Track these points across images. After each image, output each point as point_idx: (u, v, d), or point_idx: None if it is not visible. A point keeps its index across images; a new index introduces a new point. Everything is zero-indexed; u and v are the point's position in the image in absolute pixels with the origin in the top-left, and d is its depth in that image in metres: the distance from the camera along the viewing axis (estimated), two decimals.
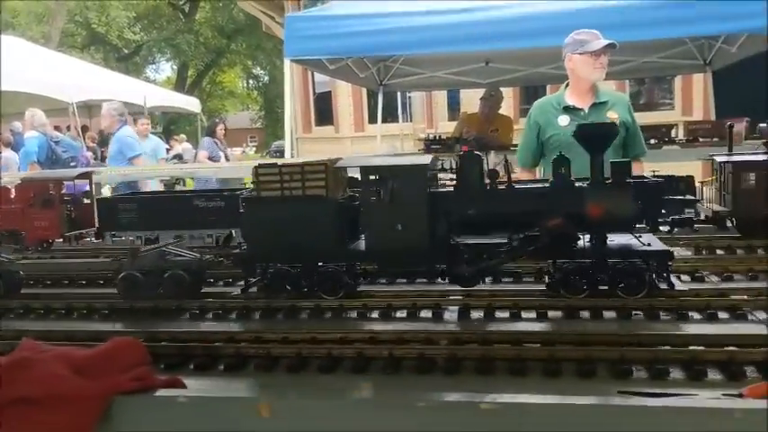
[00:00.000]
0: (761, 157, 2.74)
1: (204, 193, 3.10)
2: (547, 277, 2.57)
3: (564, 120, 5.26)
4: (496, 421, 1.60)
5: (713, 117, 10.57)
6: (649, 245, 2.42)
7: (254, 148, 39.00)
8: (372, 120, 12.19)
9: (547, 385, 1.75)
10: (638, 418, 1.55)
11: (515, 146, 8.72)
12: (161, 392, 1.83)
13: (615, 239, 2.43)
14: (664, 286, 2.37)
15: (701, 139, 8.29)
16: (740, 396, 1.57)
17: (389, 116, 13.82)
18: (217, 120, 13.45)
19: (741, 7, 6.57)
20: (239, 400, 1.82)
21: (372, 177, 2.40)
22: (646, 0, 6.80)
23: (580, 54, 5.17)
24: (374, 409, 1.73)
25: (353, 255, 2.55)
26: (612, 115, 5.25)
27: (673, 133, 8.77)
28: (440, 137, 9.50)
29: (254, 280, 2.62)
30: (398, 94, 12.70)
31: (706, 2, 6.64)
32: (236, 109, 45.82)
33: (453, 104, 14.58)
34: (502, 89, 10.04)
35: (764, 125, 8.81)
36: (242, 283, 2.69)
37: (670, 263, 2.37)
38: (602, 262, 2.36)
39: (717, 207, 2.86)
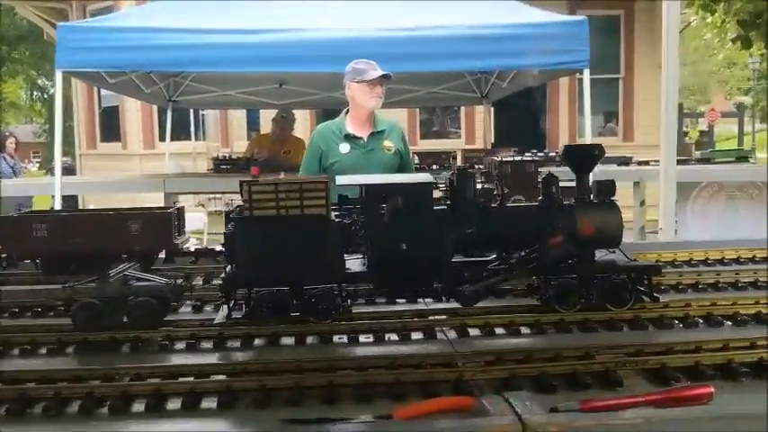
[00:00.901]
0: None
1: None
2: (534, 293, 2.61)
3: (345, 147, 5.34)
4: None
5: (490, 146, 11.49)
6: (635, 260, 2.56)
7: (38, 164, 35.81)
8: (163, 137, 11.71)
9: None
10: None
11: None
12: None
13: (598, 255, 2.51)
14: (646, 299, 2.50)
15: (476, 167, 8.93)
16: (390, 418, 1.59)
17: (183, 134, 13.37)
18: (6, 133, 12.26)
19: (510, 46, 7.14)
20: None
21: (377, 196, 2.32)
22: (428, 34, 7.13)
23: (358, 83, 5.28)
24: None
25: (355, 276, 2.41)
26: (389, 144, 5.47)
27: (452, 160, 9.40)
28: (230, 157, 9.37)
29: (232, 305, 2.40)
30: (191, 111, 12.33)
31: (479, 39, 7.13)
32: (18, 122, 41.86)
33: (253, 123, 14.41)
34: (296, 111, 10.13)
35: (528, 154, 9.72)
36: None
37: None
38: (593, 277, 2.44)
39: None
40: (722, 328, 2.31)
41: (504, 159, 2.88)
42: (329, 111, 14.48)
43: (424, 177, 2.43)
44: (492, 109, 12.39)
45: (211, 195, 10.79)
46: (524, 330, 2.32)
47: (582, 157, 2.57)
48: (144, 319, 2.36)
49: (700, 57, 42.84)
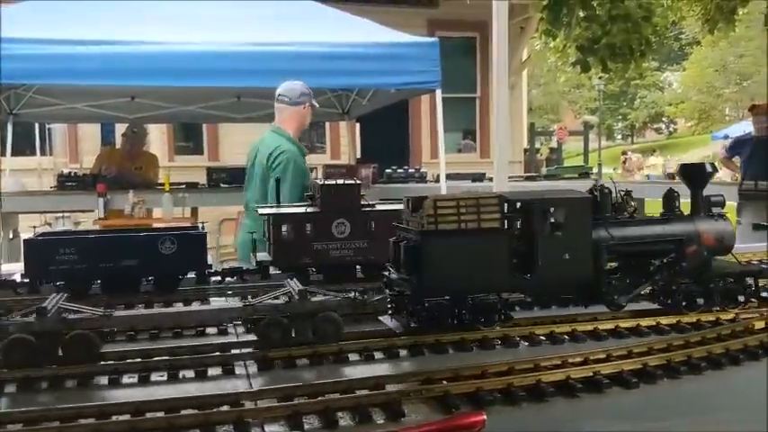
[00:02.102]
0: (296, 210, 2.95)
1: None
2: (659, 297, 2.81)
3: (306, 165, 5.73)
4: None
5: (355, 161, 11.61)
6: (744, 265, 2.91)
7: None
8: (4, 152, 10.88)
9: None
10: None
11: (161, 184, 8.55)
12: None
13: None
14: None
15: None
16: None
17: (27, 149, 12.50)
18: None
19: (363, 65, 7.25)
20: None
21: (545, 210, 2.53)
22: (284, 50, 7.09)
23: (311, 106, 5.70)
24: None
25: (526, 285, 2.59)
26: None
27: (313, 174, 9.36)
28: (76, 173, 8.88)
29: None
30: (36, 124, 11.57)
31: (332, 58, 7.18)
32: None
33: (107, 138, 13.69)
34: (151, 126, 9.76)
35: (389, 170, 9.91)
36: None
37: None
38: (711, 281, 2.73)
39: (261, 256, 3.03)
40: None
41: (325, 183, 2.92)
42: (186, 125, 14.15)
43: (582, 192, 2.71)
44: (357, 125, 12.54)
45: (59, 214, 10.15)
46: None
47: (696, 175, 2.87)
48: (329, 334, 2.37)
49: (551, 78, 45.75)
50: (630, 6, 9.13)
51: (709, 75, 42.32)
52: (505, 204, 2.53)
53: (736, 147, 9.97)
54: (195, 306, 2.87)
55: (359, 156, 12.97)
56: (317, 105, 5.78)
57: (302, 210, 2.96)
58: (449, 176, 8.36)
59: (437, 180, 9.64)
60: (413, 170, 10.30)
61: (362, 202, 3.00)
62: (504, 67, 5.87)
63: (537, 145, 19.01)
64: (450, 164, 9.09)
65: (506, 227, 2.52)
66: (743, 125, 19.68)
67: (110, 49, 6.76)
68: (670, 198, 2.86)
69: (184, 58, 6.86)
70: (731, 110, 43.91)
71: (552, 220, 2.53)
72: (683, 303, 2.72)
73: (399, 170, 9.91)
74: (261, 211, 2.96)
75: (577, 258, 2.56)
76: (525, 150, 15.85)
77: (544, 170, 11.66)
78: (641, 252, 2.75)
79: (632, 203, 2.80)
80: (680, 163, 3.04)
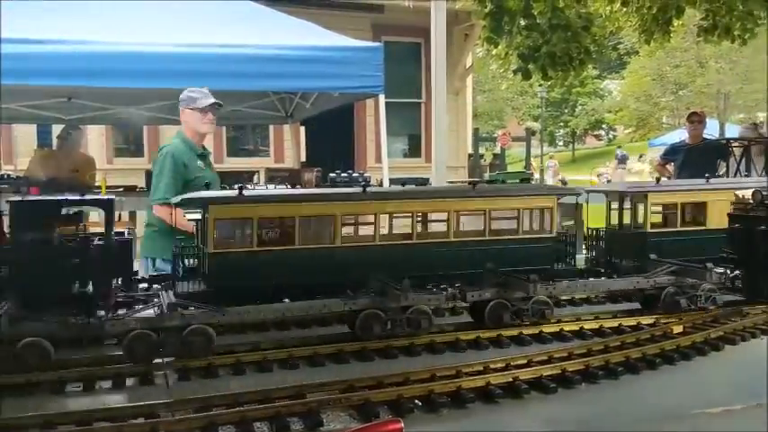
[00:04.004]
0: None
1: None
2: None
3: (201, 164, 5.91)
4: None
5: (300, 165, 11.54)
6: None
7: None
8: None
9: None
10: None
11: (97, 187, 8.33)
12: None
13: None
14: None
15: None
16: None
17: None
18: None
19: (305, 68, 7.20)
20: None
21: None
22: (230, 52, 7.00)
23: (191, 109, 5.86)
24: None
25: None
26: (210, 160, 6.29)
27: (255, 179, 9.30)
28: (9, 175, 8.60)
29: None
30: None
31: (274, 61, 7.12)
32: None
33: (43, 139, 13.28)
34: (91, 127, 9.50)
35: (333, 174, 9.88)
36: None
37: None
38: None
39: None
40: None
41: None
42: (126, 126, 13.84)
43: None
44: (302, 128, 12.45)
45: None
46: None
47: None
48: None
49: (496, 85, 46.46)
50: (570, 16, 9.33)
51: (646, 84, 43.59)
52: None
53: (671, 153, 10.32)
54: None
55: (303, 159, 12.90)
56: (203, 105, 5.86)
57: None
58: (392, 181, 8.39)
59: (380, 185, 9.66)
60: (357, 174, 10.27)
61: None
62: (443, 66, 5.94)
63: (481, 150, 19.27)
64: (395, 168, 9.12)
65: None
66: (678, 132, 20.35)
67: (45, 48, 6.55)
68: None
69: (123, 58, 6.67)
70: (668, 118, 45.31)
71: None
72: None
73: (343, 174, 9.85)
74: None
75: None
76: (469, 155, 16.02)
77: (487, 175, 11.83)
78: None
79: None
80: None
